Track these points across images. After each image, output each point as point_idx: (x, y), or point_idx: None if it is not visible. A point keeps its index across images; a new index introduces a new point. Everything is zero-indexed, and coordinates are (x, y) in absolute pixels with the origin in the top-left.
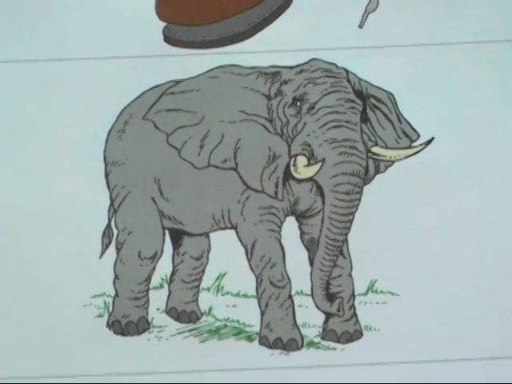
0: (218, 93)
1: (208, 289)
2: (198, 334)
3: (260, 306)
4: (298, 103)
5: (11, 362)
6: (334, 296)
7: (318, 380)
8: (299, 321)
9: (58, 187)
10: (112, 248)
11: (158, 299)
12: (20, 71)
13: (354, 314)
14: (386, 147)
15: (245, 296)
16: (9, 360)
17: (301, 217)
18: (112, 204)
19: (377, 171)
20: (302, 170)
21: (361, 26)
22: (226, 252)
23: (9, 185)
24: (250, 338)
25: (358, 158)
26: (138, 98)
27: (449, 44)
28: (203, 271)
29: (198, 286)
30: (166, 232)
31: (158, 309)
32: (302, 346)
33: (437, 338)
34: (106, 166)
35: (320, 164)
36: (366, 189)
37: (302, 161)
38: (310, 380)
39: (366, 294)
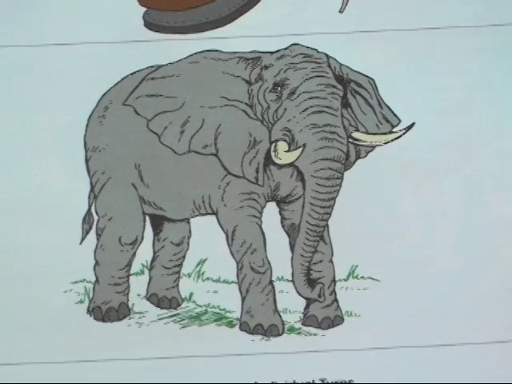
0: (199, 78)
1: (189, 275)
2: (179, 319)
3: (241, 291)
4: (279, 88)
5: None
6: (315, 282)
7: (299, 366)
8: (280, 306)
9: (38, 173)
10: (92, 234)
11: (138, 285)
12: None
13: (335, 300)
14: (367, 132)
15: (225, 282)
16: None
17: (281, 202)
18: (92, 190)
19: (357, 156)
20: (283, 155)
21: (341, 11)
22: (206, 238)
23: None
24: (230, 324)
25: (339, 144)
26: (118, 83)
27: (429, 29)
28: (184, 257)
29: (179, 272)
30: (147, 218)
31: (138, 295)
32: (283, 331)
33: (417, 324)
34: (86, 151)
35: (301, 149)
36: (347, 174)
37: (282, 146)
38: (291, 366)
39: (346, 279)
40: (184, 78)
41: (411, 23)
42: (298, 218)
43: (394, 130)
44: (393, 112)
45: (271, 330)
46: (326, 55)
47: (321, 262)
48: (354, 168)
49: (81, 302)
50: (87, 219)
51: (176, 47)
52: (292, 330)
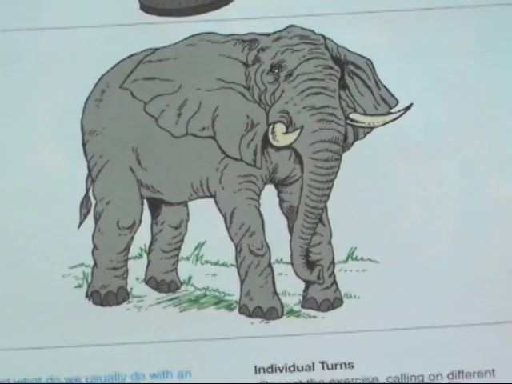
0: (196, 61)
1: (187, 258)
2: (178, 303)
3: (240, 274)
4: (276, 70)
5: None
6: (314, 264)
7: (298, 348)
8: (279, 289)
9: (35, 157)
10: (90, 218)
11: (137, 269)
12: None
13: (334, 282)
14: (365, 113)
15: (224, 265)
16: None
17: (280, 184)
18: (90, 174)
19: (356, 138)
20: (281, 137)
21: None
22: (204, 221)
23: None
24: (229, 307)
25: (337, 125)
26: (114, 66)
27: (426, 10)
28: (182, 240)
29: (177, 256)
30: (145, 201)
31: (137, 279)
32: (282, 314)
33: (417, 305)
34: (83, 135)
35: (298, 131)
36: (345, 155)
37: (280, 128)
38: (291, 348)
39: (345, 261)
40: (181, 60)
41: (408, 4)
42: (296, 200)
43: (392, 111)
44: (390, 93)
45: (270, 312)
46: (323, 37)
47: (320, 244)
48: (352, 149)
49: (79, 286)
50: (85, 203)
51: (172, 30)
52: (291, 312)
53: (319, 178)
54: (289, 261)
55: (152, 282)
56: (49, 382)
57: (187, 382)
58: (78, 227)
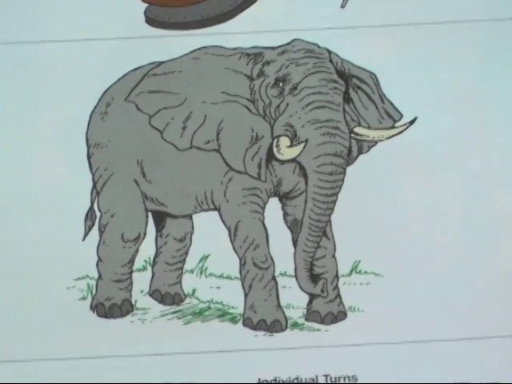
0: (200, 74)
1: (191, 271)
2: (182, 316)
3: (244, 287)
4: (281, 84)
5: None
6: (318, 277)
7: (302, 361)
8: (283, 302)
9: (41, 170)
10: (95, 230)
11: (141, 281)
12: None
13: (338, 295)
14: (369, 127)
15: (228, 278)
16: None
17: (284, 198)
18: (94, 186)
19: (360, 152)
20: (285, 150)
21: (343, 6)
22: (209, 234)
23: None
24: (233, 320)
25: (341, 139)
26: (119, 79)
27: (431, 24)
28: (186, 253)
29: (182, 268)
30: (149, 214)
31: (141, 291)
32: (286, 327)
33: (421, 319)
34: (88, 148)
35: (303, 145)
36: (349, 169)
37: (284, 142)
38: (295, 361)
39: (349, 274)
40: (186, 73)
41: (412, 18)
42: (300, 214)
43: (396, 124)
44: (395, 107)
45: (274, 325)
46: (328, 50)
47: (324, 257)
48: (357, 163)
49: (84, 298)
50: (90, 216)
51: (177, 43)
52: (295, 325)
53: (323, 191)
54: (293, 274)
55: (156, 295)
56: None
57: None
58: (83, 240)
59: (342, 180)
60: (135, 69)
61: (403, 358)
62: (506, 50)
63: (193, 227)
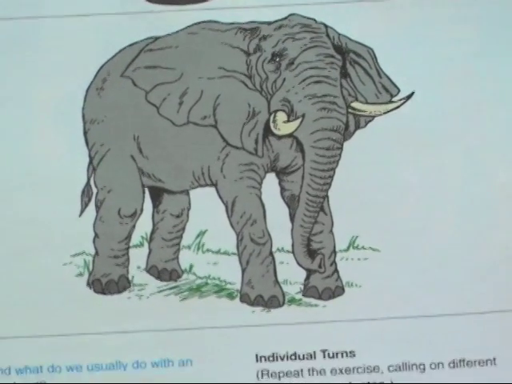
0: (197, 49)
1: (188, 246)
2: (179, 291)
3: (241, 263)
4: (277, 59)
5: None
6: (315, 252)
7: (300, 337)
8: (280, 278)
9: (37, 146)
10: (91, 206)
11: (138, 257)
12: None
13: (336, 271)
14: (366, 102)
15: (225, 253)
16: None
17: (281, 173)
18: (91, 162)
19: (357, 126)
20: (282, 126)
21: None
22: (206, 209)
23: None
24: (231, 296)
25: (338, 114)
26: (116, 55)
27: None
28: (183, 229)
29: (179, 244)
30: (146, 190)
31: (138, 267)
32: (284, 302)
33: (418, 294)
34: (84, 123)
35: (300, 120)
36: (347, 144)
37: (281, 117)
38: (292, 337)
39: (347, 250)
40: (182, 49)
41: None
42: (297, 189)
43: (394, 99)
44: (392, 82)
45: (272, 301)
46: (325, 25)
47: (321, 232)
48: (354, 138)
49: (80, 274)
50: (86, 192)
51: (174, 18)
52: (293, 301)
53: (320, 166)
54: (290, 249)
55: (153, 271)
56: (50, 370)
57: (188, 371)
58: (80, 216)
59: (339, 155)
60: (131, 44)
61: (400, 333)
62: (505, 26)
63: (190, 203)
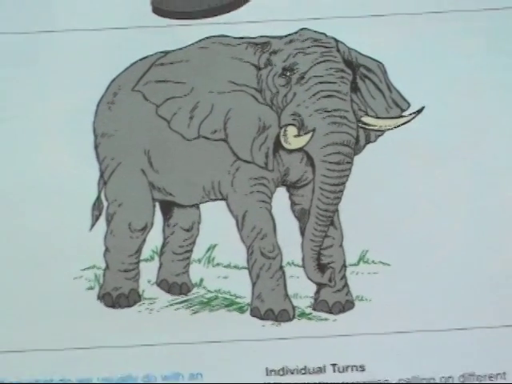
0: (208, 63)
1: (199, 260)
2: (190, 305)
3: (251, 277)
4: (288, 73)
5: (1, 335)
6: (326, 266)
7: (310, 351)
8: (290, 291)
9: (48, 159)
10: (102, 220)
11: (148, 271)
12: (7, 43)
13: (346, 285)
14: (377, 117)
15: (236, 267)
16: None
17: (291, 187)
18: (102, 176)
19: (367, 141)
20: (293, 140)
21: None
22: (216, 223)
23: None
24: (241, 310)
25: (349, 128)
26: (127, 69)
27: (438, 13)
28: (194, 243)
29: (189, 258)
30: (157, 204)
31: (148, 281)
32: (294, 316)
33: (428, 308)
34: (95, 137)
35: (310, 134)
36: (357, 159)
37: (292, 131)
38: (302, 351)
39: (357, 264)
40: (193, 63)
41: (420, 7)
42: (308, 203)
43: (404, 114)
44: (402, 96)
45: (282, 315)
46: (335, 39)
47: (331, 246)
48: (364, 152)
49: (91, 288)
50: (97, 205)
51: (185, 33)
52: (303, 315)
53: (331, 180)
54: (300, 263)
55: (164, 285)
56: (60, 383)
57: None
58: (90, 229)
59: (350, 169)
60: (142, 58)
61: (410, 347)
62: None
63: (200, 217)
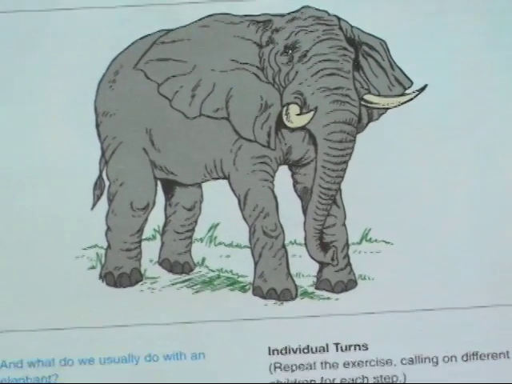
0: (209, 42)
1: (201, 239)
2: (192, 284)
3: (253, 256)
4: (290, 51)
5: (3, 314)
6: (328, 245)
7: (312, 330)
8: (293, 271)
9: (49, 138)
10: (104, 199)
11: (150, 250)
12: (8, 21)
13: (348, 264)
14: (379, 95)
15: (238, 246)
16: (0, 312)
17: (294, 166)
18: (103, 155)
19: (370, 119)
20: (295, 118)
21: None
22: (218, 202)
23: None
24: (243, 289)
25: (351, 106)
26: (128, 47)
27: None
28: (196, 222)
29: (191, 237)
30: (158, 183)
31: (150, 260)
32: (296, 295)
33: (431, 287)
34: (96, 116)
35: (312, 112)
36: (359, 137)
37: (294, 109)
38: (305, 330)
39: (359, 243)
40: (194, 41)
41: None
42: (310, 182)
43: (407, 92)
44: (405, 74)
45: (284, 294)
46: (337, 17)
47: (334, 225)
48: (367, 131)
49: (93, 267)
50: (98, 185)
51: (186, 11)
52: (305, 294)
53: (333, 159)
54: (303, 242)
55: (166, 264)
56: (62, 363)
57: (201, 364)
58: (92, 209)
59: (352, 148)
60: (144, 37)
61: (413, 326)
62: None
63: (202, 196)
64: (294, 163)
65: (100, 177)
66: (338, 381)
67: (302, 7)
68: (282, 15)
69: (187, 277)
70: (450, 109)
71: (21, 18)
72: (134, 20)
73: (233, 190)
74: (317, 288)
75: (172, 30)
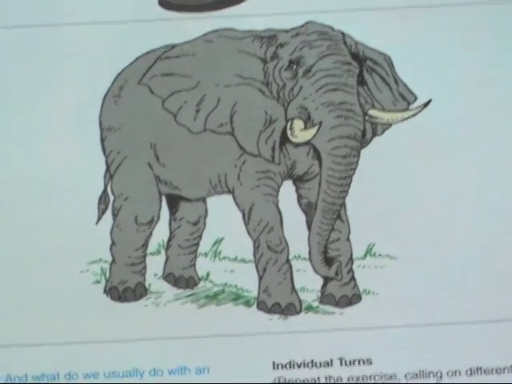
0: (214, 57)
1: (205, 254)
2: (196, 299)
3: (258, 270)
4: (294, 66)
5: (8, 329)
6: (332, 260)
7: (317, 344)
8: (297, 285)
9: (54, 153)
10: (108, 214)
11: (155, 265)
12: (13, 37)
13: (353, 278)
14: (383, 110)
15: (242, 261)
16: (5, 326)
17: (298, 181)
18: (108, 169)
19: (374, 134)
20: (299, 133)
21: None
22: (223, 217)
23: (4, 151)
24: (248, 303)
25: (355, 121)
26: (132, 62)
27: (445, 6)
28: (200, 236)
29: (196, 252)
30: (163, 197)
31: (155, 274)
32: (301, 310)
33: (435, 302)
34: (101, 131)
35: (317, 127)
36: (364, 152)
37: (298, 124)
38: (309, 344)
39: (364, 257)
40: (199, 56)
41: (427, 0)
42: (314, 197)
43: (411, 107)
44: (409, 89)
45: (289, 308)
46: (342, 33)
47: (338, 240)
48: (371, 146)
49: (97, 282)
50: (103, 199)
51: (191, 26)
52: (309, 308)
53: (337, 174)
54: (307, 257)
55: (170, 278)
56: (66, 377)
57: (205, 378)
58: (96, 223)
59: (356, 163)
60: (148, 52)
61: (417, 341)
62: None
63: (206, 210)
64: (299, 178)
65: (105, 191)
66: None
67: (307, 22)
68: (287, 30)
69: (192, 291)
70: (454, 124)
71: (25, 33)
72: (138, 35)
73: (237, 205)
74: (321, 302)
75: (176, 45)
